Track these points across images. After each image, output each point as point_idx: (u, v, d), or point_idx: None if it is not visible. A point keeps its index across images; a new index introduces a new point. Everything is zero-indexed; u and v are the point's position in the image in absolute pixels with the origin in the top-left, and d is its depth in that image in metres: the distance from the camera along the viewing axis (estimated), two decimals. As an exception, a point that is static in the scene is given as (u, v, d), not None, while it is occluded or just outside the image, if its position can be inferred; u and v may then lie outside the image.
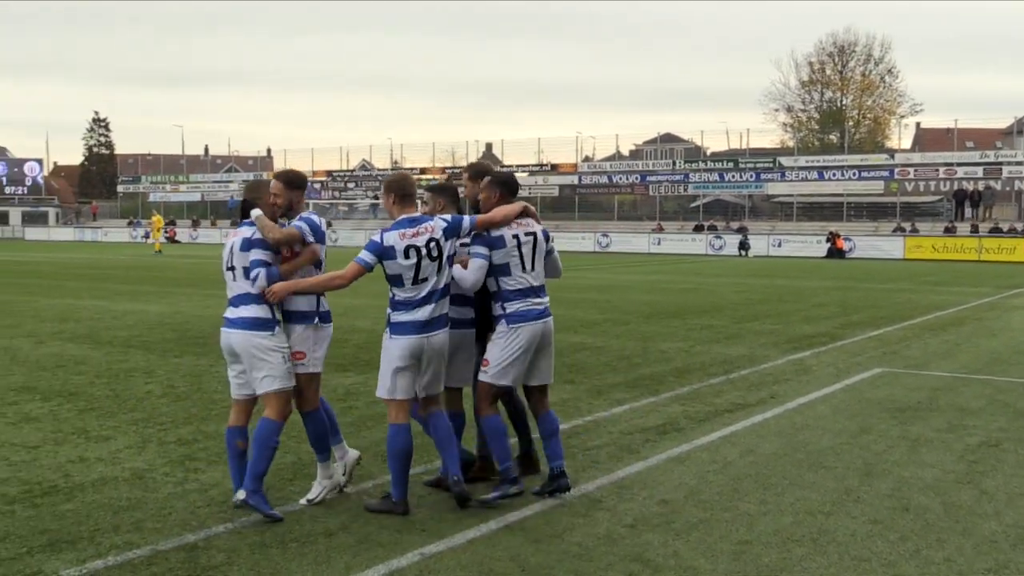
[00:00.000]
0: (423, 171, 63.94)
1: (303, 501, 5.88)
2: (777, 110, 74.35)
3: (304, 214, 5.96)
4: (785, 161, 55.75)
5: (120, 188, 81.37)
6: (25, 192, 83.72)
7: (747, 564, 4.95)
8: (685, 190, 58.53)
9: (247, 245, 5.76)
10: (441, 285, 5.80)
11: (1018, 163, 49.41)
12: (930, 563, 5.00)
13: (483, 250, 5.91)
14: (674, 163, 60.23)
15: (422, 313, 5.72)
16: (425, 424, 6.02)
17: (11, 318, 15.92)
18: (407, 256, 5.70)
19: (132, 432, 7.73)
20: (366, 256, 5.75)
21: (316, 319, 5.88)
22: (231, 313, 5.81)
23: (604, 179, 60.88)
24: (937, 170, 51.24)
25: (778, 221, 56.01)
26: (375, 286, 8.29)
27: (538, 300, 6.06)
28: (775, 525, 5.56)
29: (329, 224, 51.25)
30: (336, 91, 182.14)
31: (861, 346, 13.24)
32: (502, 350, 5.95)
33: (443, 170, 60.88)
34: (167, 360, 11.41)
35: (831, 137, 68.40)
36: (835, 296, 21.71)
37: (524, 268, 6.00)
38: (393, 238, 5.73)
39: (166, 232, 54.68)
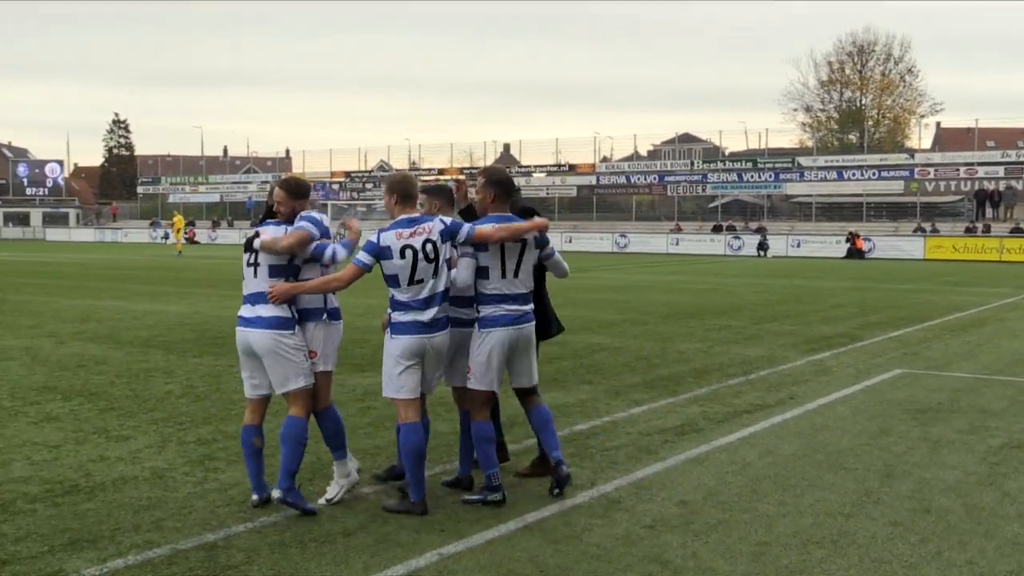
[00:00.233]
0: (441, 172, 64.12)
1: (322, 501, 5.89)
2: (796, 110, 74.19)
3: (303, 213, 5.94)
4: (804, 161, 55.54)
5: (140, 189, 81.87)
6: (46, 193, 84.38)
7: (766, 566, 4.93)
8: (703, 190, 58.40)
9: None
10: (440, 288, 5.79)
11: (1040, 162, 49.06)
12: (952, 565, 4.96)
13: (470, 249, 5.93)
14: (692, 163, 60.11)
15: (424, 316, 5.74)
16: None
17: (33, 318, 16.03)
18: (403, 256, 5.70)
19: (152, 432, 7.77)
20: (363, 257, 5.77)
21: (324, 315, 5.90)
22: (247, 312, 5.81)
23: (622, 179, 60.83)
24: (958, 170, 50.95)
25: (797, 221, 55.77)
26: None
27: (514, 307, 5.96)
28: (794, 527, 5.54)
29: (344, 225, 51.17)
30: (354, 92, 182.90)
31: (881, 347, 13.16)
32: (474, 354, 5.97)
33: (460, 171, 60.98)
34: (186, 360, 11.47)
35: (850, 137, 68.05)
36: (854, 297, 21.60)
37: (504, 274, 5.94)
38: (390, 238, 5.74)
39: (186, 233, 54.91)
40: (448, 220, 5.91)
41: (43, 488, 6.17)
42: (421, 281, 5.73)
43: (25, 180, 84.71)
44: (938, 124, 75.12)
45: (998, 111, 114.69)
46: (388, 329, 5.83)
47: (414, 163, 68.85)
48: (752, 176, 56.18)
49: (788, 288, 24.27)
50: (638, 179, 60.11)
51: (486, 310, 5.95)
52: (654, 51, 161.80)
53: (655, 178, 59.31)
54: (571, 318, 16.39)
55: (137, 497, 5.99)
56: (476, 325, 5.98)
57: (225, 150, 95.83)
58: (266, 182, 67.99)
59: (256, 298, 5.79)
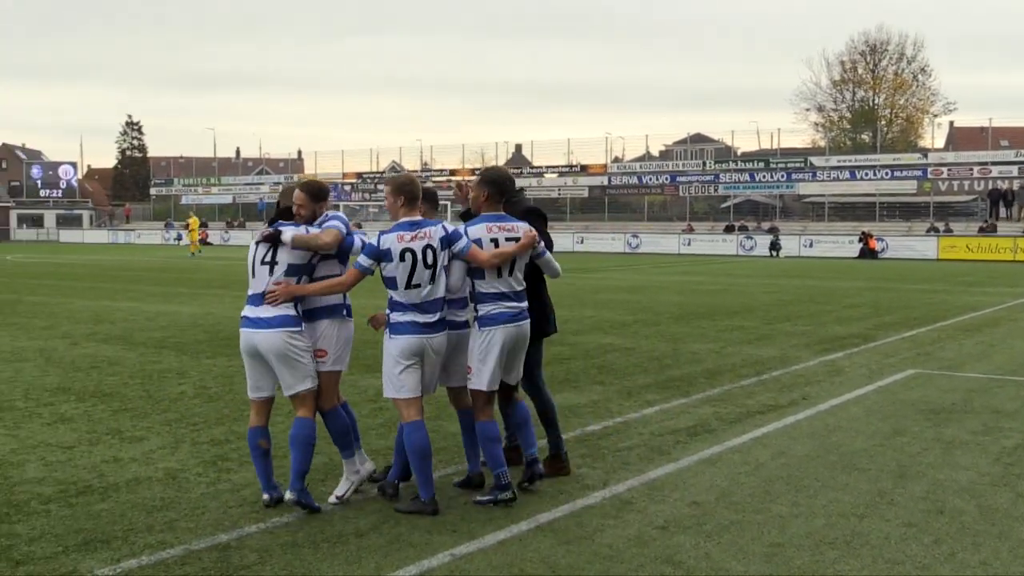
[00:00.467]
0: (452, 172, 64.27)
1: (332, 499, 5.90)
2: (808, 110, 74.03)
3: (330, 213, 6.02)
4: (816, 161, 55.38)
5: (153, 191, 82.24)
6: (60, 195, 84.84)
7: (779, 566, 4.91)
8: (715, 190, 58.32)
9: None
10: (438, 294, 5.80)
11: (1054, 162, 48.80)
12: (965, 566, 4.94)
13: None
14: (704, 163, 60.04)
15: (423, 318, 5.75)
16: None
17: (46, 319, 16.12)
18: (402, 259, 5.70)
19: (165, 432, 7.80)
20: (363, 260, 5.79)
21: (344, 311, 5.97)
22: (251, 312, 5.81)
23: (634, 180, 60.78)
24: (971, 169, 50.73)
25: (809, 221, 55.64)
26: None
27: (512, 304, 5.98)
28: (807, 527, 5.52)
29: (359, 225, 51.38)
30: (366, 93, 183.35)
31: (894, 347, 13.11)
32: (476, 353, 5.96)
33: (472, 171, 61.01)
34: (199, 361, 11.51)
35: (863, 136, 67.85)
36: (867, 297, 21.52)
37: (499, 274, 5.95)
38: (390, 240, 5.74)
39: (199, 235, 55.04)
40: (449, 228, 5.92)
41: (57, 489, 6.19)
42: (418, 286, 5.74)
43: (39, 182, 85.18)
44: (951, 123, 74.92)
45: (1012, 110, 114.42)
46: (387, 329, 5.84)
47: (426, 164, 68.94)
48: (764, 176, 56.06)
49: (801, 288, 24.20)
50: (650, 179, 60.06)
51: (485, 308, 5.94)
52: (666, 51, 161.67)
53: (667, 178, 59.25)
54: (582, 319, 16.41)
55: (150, 498, 6.01)
56: (476, 324, 5.97)
57: (237, 151, 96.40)
58: (278, 183, 68.19)
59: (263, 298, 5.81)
